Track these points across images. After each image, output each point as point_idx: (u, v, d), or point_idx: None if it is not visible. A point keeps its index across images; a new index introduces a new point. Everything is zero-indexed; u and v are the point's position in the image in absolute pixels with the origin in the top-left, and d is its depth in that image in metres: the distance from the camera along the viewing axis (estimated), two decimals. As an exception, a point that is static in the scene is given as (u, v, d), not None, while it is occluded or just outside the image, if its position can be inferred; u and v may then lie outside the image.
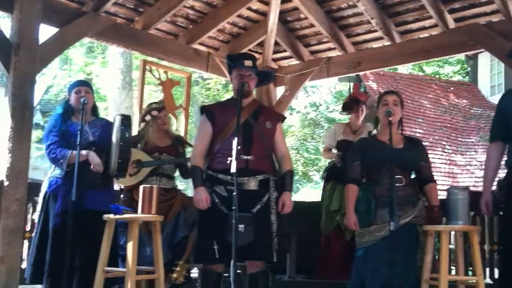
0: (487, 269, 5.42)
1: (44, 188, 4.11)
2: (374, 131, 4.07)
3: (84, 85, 4.24)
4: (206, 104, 4.55)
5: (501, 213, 3.57)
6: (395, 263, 3.46)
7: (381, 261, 3.57)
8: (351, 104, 5.68)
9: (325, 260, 5.43)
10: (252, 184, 3.52)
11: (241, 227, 3.25)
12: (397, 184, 3.60)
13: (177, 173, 4.78)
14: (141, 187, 3.76)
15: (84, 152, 3.95)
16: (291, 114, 17.74)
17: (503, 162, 3.66)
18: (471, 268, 4.44)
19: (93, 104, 4.27)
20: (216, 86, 15.55)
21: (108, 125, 4.25)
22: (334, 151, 5.68)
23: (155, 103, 4.93)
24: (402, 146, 3.80)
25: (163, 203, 4.44)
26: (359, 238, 3.76)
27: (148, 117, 4.73)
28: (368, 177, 3.82)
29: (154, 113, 4.71)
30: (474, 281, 3.74)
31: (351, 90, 6.31)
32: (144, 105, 6.13)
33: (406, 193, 3.68)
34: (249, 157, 3.43)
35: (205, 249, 3.49)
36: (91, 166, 4.01)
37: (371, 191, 3.73)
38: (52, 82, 18.92)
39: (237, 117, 3.40)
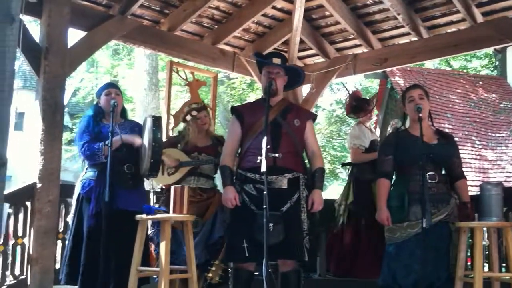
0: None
1: (77, 190, 4.16)
2: (402, 128, 4.02)
3: (114, 87, 4.28)
4: (236, 105, 4.56)
5: None
6: (427, 260, 3.42)
7: (413, 258, 3.54)
8: (362, 105, 5.59)
9: (353, 257, 5.38)
10: (281, 182, 3.51)
11: (270, 225, 3.24)
12: (430, 181, 3.57)
13: (217, 174, 4.79)
14: (172, 187, 3.79)
15: (116, 137, 3.96)
16: (316, 111, 17.67)
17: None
18: (504, 265, 4.38)
19: (122, 106, 4.31)
20: (241, 85, 15.58)
21: (137, 126, 4.29)
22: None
23: (195, 103, 4.98)
24: (436, 142, 3.75)
25: (201, 202, 4.49)
26: (390, 233, 3.72)
27: (188, 117, 4.78)
28: (400, 173, 3.77)
29: (194, 113, 4.76)
30: (508, 277, 3.68)
31: (377, 87, 6.21)
32: (172, 106, 6.20)
33: (439, 190, 3.64)
34: (276, 155, 3.41)
35: (235, 247, 3.51)
36: (133, 144, 4.05)
37: (404, 187, 3.69)
38: (79, 85, 19.20)
39: (265, 116, 3.41)
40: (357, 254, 5.32)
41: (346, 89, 6.11)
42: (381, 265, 3.83)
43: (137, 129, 4.24)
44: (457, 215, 3.69)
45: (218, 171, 4.67)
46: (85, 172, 4.16)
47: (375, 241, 5.10)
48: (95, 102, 4.36)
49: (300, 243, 3.48)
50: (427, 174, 3.58)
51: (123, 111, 4.36)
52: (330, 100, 19.25)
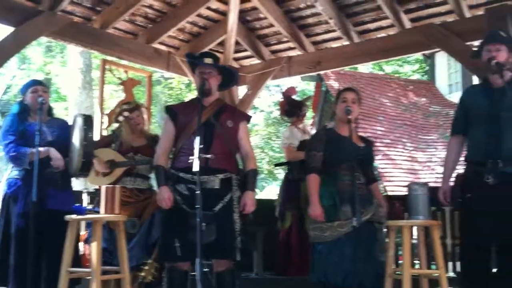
0: (450, 263, 5.54)
1: (2, 190, 4.03)
2: (330, 126, 4.06)
3: (40, 85, 4.16)
4: (170, 104, 4.53)
5: (459, 207, 3.66)
6: (357, 258, 3.48)
7: (344, 256, 3.59)
8: (294, 110, 5.69)
9: (299, 259, 5.47)
10: (213, 182, 3.50)
11: (203, 225, 3.25)
12: (357, 181, 3.66)
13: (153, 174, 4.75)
14: (102, 187, 3.73)
15: (43, 148, 3.87)
16: (255, 113, 17.80)
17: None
18: (434, 262, 4.56)
19: (48, 104, 4.21)
20: (179, 85, 15.49)
21: (65, 124, 4.20)
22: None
23: (127, 103, 4.90)
24: (363, 145, 3.85)
25: (138, 203, 4.44)
26: (319, 232, 3.72)
27: (121, 118, 4.70)
28: (328, 171, 3.80)
29: (126, 113, 4.68)
30: (437, 274, 3.83)
31: (313, 90, 6.32)
32: (105, 105, 6.09)
33: (364, 191, 3.73)
34: (208, 156, 3.40)
35: (168, 247, 3.50)
36: (52, 162, 3.95)
37: (334, 186, 3.73)
38: (10, 82, 18.53)
39: (198, 116, 3.40)
40: (289, 252, 5.43)
41: (281, 89, 6.18)
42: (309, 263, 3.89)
43: (66, 127, 4.14)
44: (378, 215, 3.80)
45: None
46: (11, 171, 4.03)
47: (305, 239, 5.21)
48: (19, 100, 4.22)
49: (232, 243, 3.49)
50: (355, 174, 3.67)
51: (50, 109, 4.24)
52: (268, 101, 19.41)
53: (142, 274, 4.22)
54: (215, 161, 3.46)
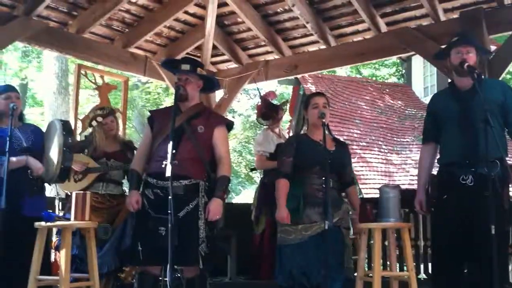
0: (422, 265, 5.60)
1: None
2: (302, 131, 4.10)
3: (13, 91, 4.12)
4: (151, 110, 4.52)
5: (432, 209, 3.69)
6: (323, 262, 3.47)
7: (309, 260, 3.63)
8: (271, 113, 5.68)
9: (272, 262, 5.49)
10: (176, 188, 3.42)
11: (162, 229, 3.26)
12: (324, 185, 3.67)
13: (125, 179, 4.72)
14: (73, 193, 3.71)
15: (21, 157, 3.85)
16: (233, 117, 17.80)
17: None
18: (404, 264, 4.60)
19: (20, 110, 4.16)
20: (157, 89, 15.41)
21: (39, 130, 4.17)
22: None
23: (100, 109, 4.86)
24: (335, 149, 3.89)
25: (110, 209, 4.43)
26: (285, 235, 3.77)
27: (94, 123, 4.67)
28: (297, 175, 3.84)
29: (99, 119, 4.65)
30: (406, 276, 3.87)
31: (290, 94, 6.35)
32: (81, 110, 6.04)
33: (332, 195, 3.72)
34: (173, 162, 3.34)
35: (132, 250, 3.53)
36: (33, 171, 3.92)
37: (300, 189, 3.77)
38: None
39: (172, 121, 3.40)
40: (262, 256, 5.44)
41: (259, 92, 6.16)
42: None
43: (39, 132, 4.11)
44: (347, 220, 3.83)
45: (126, 177, 4.64)
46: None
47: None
48: None
49: (195, 249, 3.47)
50: (323, 178, 3.68)
51: (21, 114, 4.21)
52: (246, 105, 19.44)
53: (123, 275, 4.22)
54: (180, 167, 3.40)
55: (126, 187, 4.80)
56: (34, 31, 5.22)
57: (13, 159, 3.79)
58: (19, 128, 4.04)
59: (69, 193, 4.58)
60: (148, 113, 3.93)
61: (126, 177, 4.65)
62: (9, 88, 4.20)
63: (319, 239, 3.57)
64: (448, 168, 3.51)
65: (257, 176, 18.50)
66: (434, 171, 3.72)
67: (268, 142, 5.50)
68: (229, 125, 3.89)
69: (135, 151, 4.58)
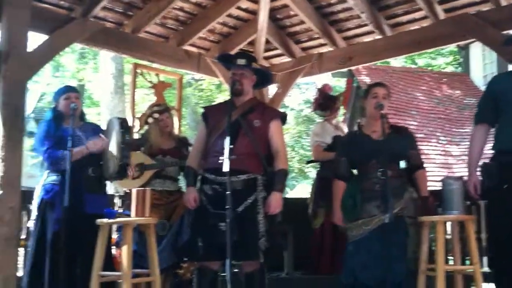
0: (485, 258, 5.42)
1: (38, 195, 4.08)
2: (361, 122, 4.06)
3: (73, 91, 4.22)
4: (205, 106, 4.54)
5: (490, 198, 3.56)
6: (385, 256, 3.44)
7: (371, 254, 3.58)
8: (328, 103, 5.63)
9: (332, 256, 5.44)
10: (235, 183, 3.44)
11: (222, 225, 3.25)
12: (381, 177, 3.60)
13: (181, 175, 4.77)
14: (133, 190, 3.76)
15: (80, 147, 3.91)
16: (285, 111, 17.73)
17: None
18: (468, 258, 4.45)
19: (81, 110, 4.25)
20: (209, 87, 15.55)
21: (99, 128, 4.25)
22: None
23: (157, 105, 4.93)
24: (388, 138, 3.77)
25: (167, 205, 4.48)
26: (348, 232, 3.78)
27: (150, 120, 4.73)
28: (358, 171, 3.86)
29: (156, 115, 4.71)
30: (471, 270, 3.75)
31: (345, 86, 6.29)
32: (137, 109, 6.15)
33: (392, 185, 3.63)
34: (231, 157, 3.36)
35: (192, 246, 3.54)
36: (95, 146, 3.98)
37: (357, 186, 3.74)
38: (45, 90, 18.89)
39: (227, 116, 3.40)
40: (322, 251, 5.41)
41: (316, 85, 6.13)
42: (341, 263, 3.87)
43: (99, 131, 4.19)
44: (412, 209, 3.73)
45: (182, 173, 4.68)
46: (47, 176, 4.09)
47: (339, 236, 5.20)
48: (52, 106, 4.28)
49: (255, 244, 3.47)
50: (379, 170, 3.62)
51: (82, 114, 4.31)
52: (299, 99, 19.34)
53: (181, 271, 4.26)
54: (237, 162, 3.40)
55: (182, 184, 4.86)
56: (91, 32, 5.32)
57: (74, 149, 3.87)
58: (80, 127, 4.13)
59: (128, 190, 4.67)
60: (202, 110, 3.94)
61: (182, 173, 4.70)
62: (68, 89, 4.31)
63: (380, 232, 3.51)
64: (506, 156, 3.37)
65: (309, 171, 18.51)
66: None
67: (325, 133, 5.48)
68: (284, 118, 3.90)
69: (190, 148, 4.62)
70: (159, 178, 4.60)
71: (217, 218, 3.37)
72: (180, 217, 4.46)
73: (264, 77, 3.91)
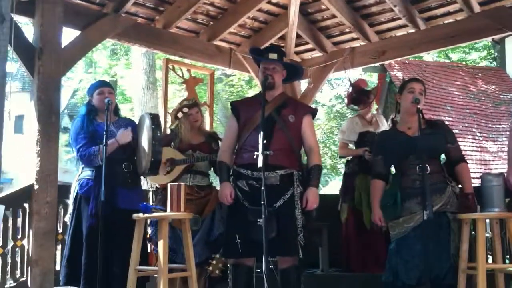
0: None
1: (74, 190, 4.13)
2: (395, 118, 3.98)
3: (106, 86, 4.22)
4: (234, 100, 4.50)
5: None
6: (428, 252, 3.38)
7: (414, 252, 3.52)
8: (361, 97, 5.58)
9: (359, 252, 5.40)
10: (273, 179, 3.45)
11: (260, 221, 3.20)
12: (420, 173, 3.53)
13: (212, 170, 4.77)
14: (168, 185, 3.76)
15: (109, 141, 3.90)
16: (316, 107, 17.63)
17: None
18: (508, 256, 4.34)
19: (115, 104, 4.27)
20: (240, 82, 15.53)
21: (133, 124, 4.25)
22: (351, 146, 5.61)
23: (186, 100, 4.94)
24: (424, 133, 3.68)
25: (198, 200, 4.47)
26: (391, 231, 3.72)
27: (180, 115, 4.74)
28: (396, 170, 3.80)
29: (185, 110, 4.71)
30: (512, 268, 3.66)
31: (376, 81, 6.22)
32: (169, 104, 6.17)
33: (433, 180, 3.59)
34: (267, 152, 3.30)
35: (230, 243, 3.51)
36: (124, 138, 4.00)
37: (397, 184, 3.69)
38: (78, 86, 19.16)
39: (261, 111, 3.36)
40: (348, 246, 5.42)
41: (349, 79, 6.07)
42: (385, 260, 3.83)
43: (133, 126, 4.19)
44: (455, 204, 3.65)
45: (213, 168, 4.67)
46: (82, 172, 4.12)
47: (363, 234, 5.21)
48: (86, 101, 4.31)
49: (294, 239, 3.44)
50: (417, 167, 3.56)
51: (116, 109, 4.31)
52: (330, 95, 19.20)
53: (210, 268, 4.25)
54: (274, 158, 3.38)
55: (212, 178, 4.85)
56: (123, 27, 5.36)
57: (109, 142, 3.87)
58: (114, 123, 4.14)
59: (159, 186, 4.69)
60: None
61: (212, 168, 4.69)
62: (102, 84, 4.34)
63: (422, 230, 3.44)
64: None
65: (342, 167, 18.36)
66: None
67: (351, 130, 5.49)
68: (314, 114, 3.86)
69: (219, 142, 4.61)
70: (189, 173, 4.60)
71: (255, 214, 3.33)
72: (211, 212, 4.46)
73: (294, 72, 3.86)
